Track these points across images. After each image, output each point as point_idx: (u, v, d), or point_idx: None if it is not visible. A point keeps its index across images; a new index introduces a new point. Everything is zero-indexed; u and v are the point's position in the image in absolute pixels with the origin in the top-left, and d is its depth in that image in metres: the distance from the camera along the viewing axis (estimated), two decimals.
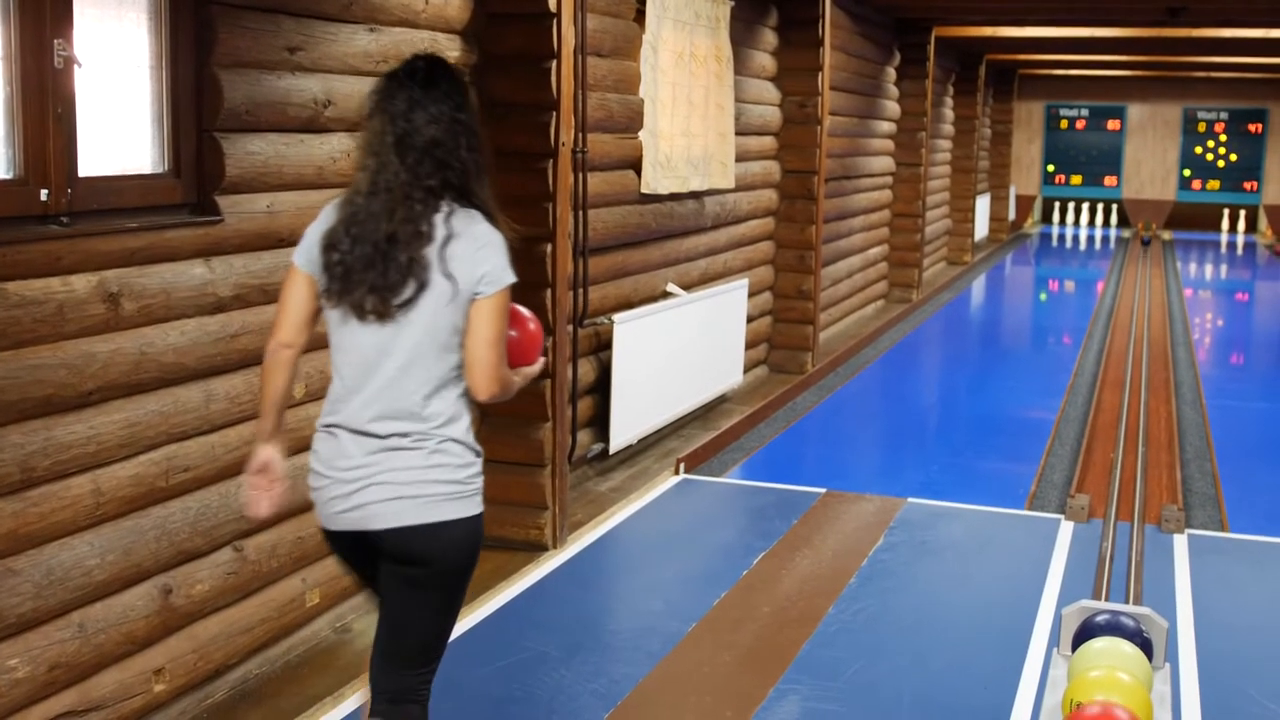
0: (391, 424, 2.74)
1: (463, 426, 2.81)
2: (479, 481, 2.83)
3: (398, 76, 2.81)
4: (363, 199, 2.77)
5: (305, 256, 2.84)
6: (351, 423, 2.77)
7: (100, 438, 3.44)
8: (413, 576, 2.78)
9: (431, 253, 2.72)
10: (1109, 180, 25.58)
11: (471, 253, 2.73)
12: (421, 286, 2.72)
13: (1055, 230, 25.10)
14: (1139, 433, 7.80)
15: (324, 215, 2.85)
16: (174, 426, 3.70)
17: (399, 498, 2.73)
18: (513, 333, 2.85)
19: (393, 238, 2.72)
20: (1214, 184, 24.83)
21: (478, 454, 2.85)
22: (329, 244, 2.79)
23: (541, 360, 3.02)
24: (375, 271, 2.72)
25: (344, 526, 2.80)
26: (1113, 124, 25.47)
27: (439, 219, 2.74)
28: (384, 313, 2.73)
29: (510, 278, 2.77)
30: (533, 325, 2.96)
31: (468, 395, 2.81)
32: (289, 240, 4.14)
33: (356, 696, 4.06)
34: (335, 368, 2.82)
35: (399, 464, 2.74)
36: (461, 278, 2.72)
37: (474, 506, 2.80)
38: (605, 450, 6.45)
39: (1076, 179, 25.77)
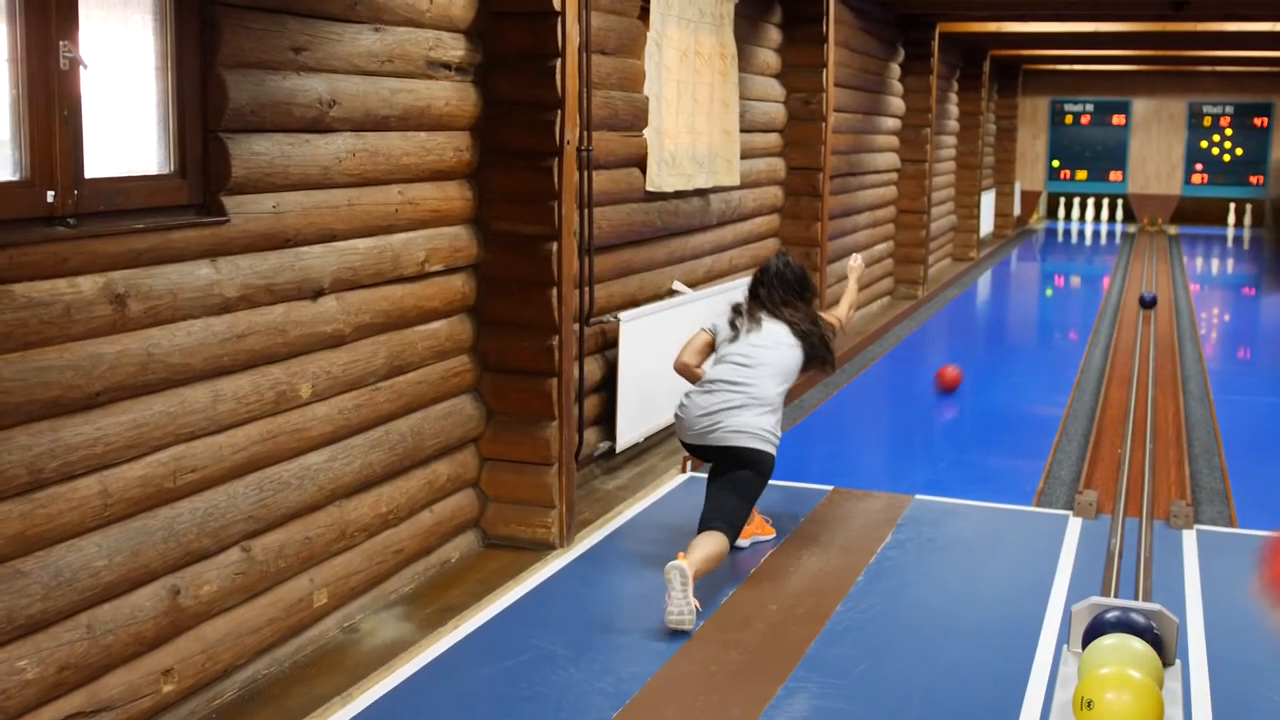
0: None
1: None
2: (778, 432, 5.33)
3: (778, 270, 5.58)
4: (767, 318, 5.50)
5: (714, 327, 5.56)
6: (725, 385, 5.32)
7: (107, 439, 3.44)
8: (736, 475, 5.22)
9: (799, 338, 5.48)
10: (1114, 175, 25.54)
11: (817, 325, 5.60)
12: (801, 352, 5.50)
13: (1061, 225, 25.07)
14: (1147, 428, 7.79)
15: (728, 313, 5.57)
16: (181, 427, 3.70)
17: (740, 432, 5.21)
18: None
19: (796, 321, 5.47)
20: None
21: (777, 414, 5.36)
22: (736, 318, 5.53)
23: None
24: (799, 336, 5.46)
25: (707, 442, 5.28)
26: (1118, 119, 25.44)
27: (802, 318, 5.50)
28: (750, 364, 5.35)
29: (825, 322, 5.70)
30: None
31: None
32: (295, 240, 4.15)
33: (365, 696, 4.07)
34: (719, 373, 5.36)
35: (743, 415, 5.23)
36: (819, 326, 5.60)
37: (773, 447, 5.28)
38: (612, 449, 6.45)
39: (1082, 174, 25.74)
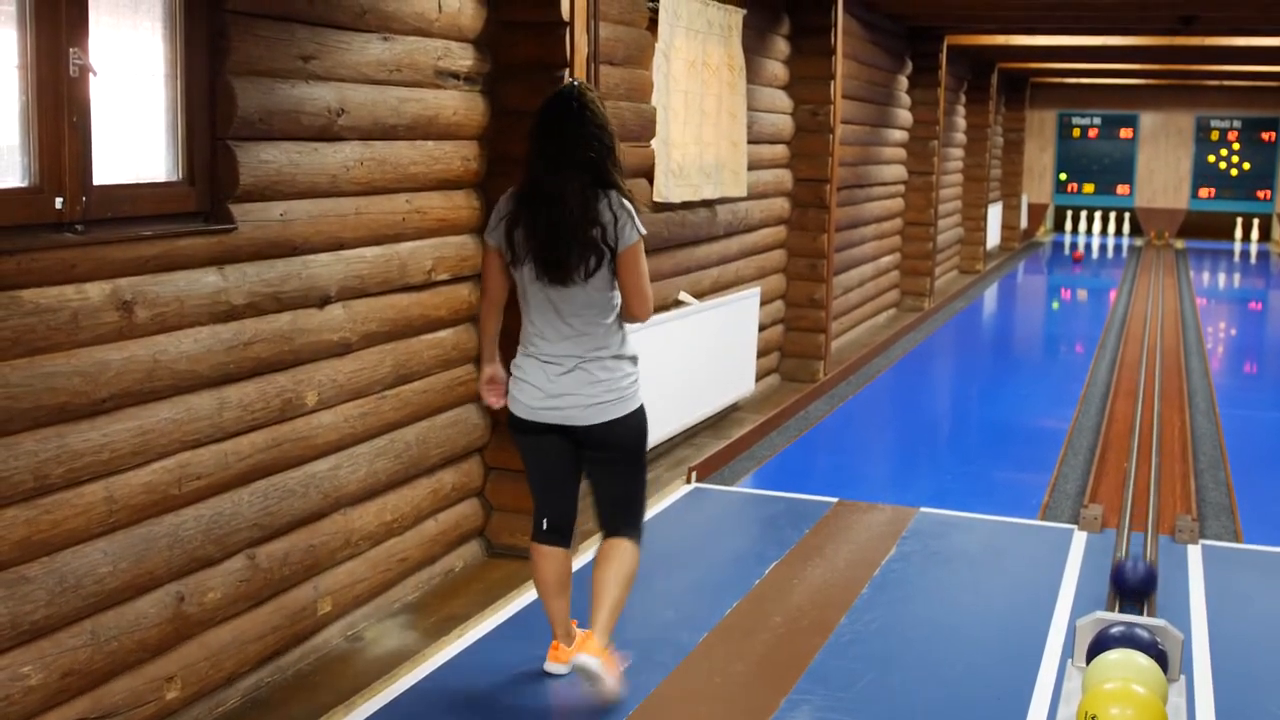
0: (572, 350, 3.94)
1: (622, 343, 4.01)
2: (635, 385, 4.04)
3: (559, 110, 3.91)
4: (544, 200, 3.86)
5: (494, 237, 4.02)
6: (545, 354, 3.97)
7: (113, 445, 3.44)
8: (600, 457, 4.07)
9: (602, 234, 3.85)
10: (1121, 189, 25.54)
11: (625, 225, 3.88)
12: (600, 259, 3.86)
13: (1068, 239, 25.06)
14: (1152, 442, 7.77)
15: (503, 204, 4.00)
16: (187, 434, 3.71)
17: (590, 404, 3.95)
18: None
19: (575, 228, 3.83)
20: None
21: (634, 361, 4.05)
22: (513, 228, 3.93)
23: None
24: (566, 253, 3.84)
25: (548, 420, 4.00)
26: (1125, 132, 25.45)
27: (603, 206, 3.88)
28: (571, 281, 3.87)
29: (640, 234, 3.92)
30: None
31: (620, 321, 4.01)
32: (302, 248, 4.15)
33: (368, 705, 4.07)
34: (528, 314, 4.00)
35: (584, 380, 3.94)
36: (618, 245, 3.88)
37: (634, 405, 4.03)
38: None
39: (1089, 187, 25.73)
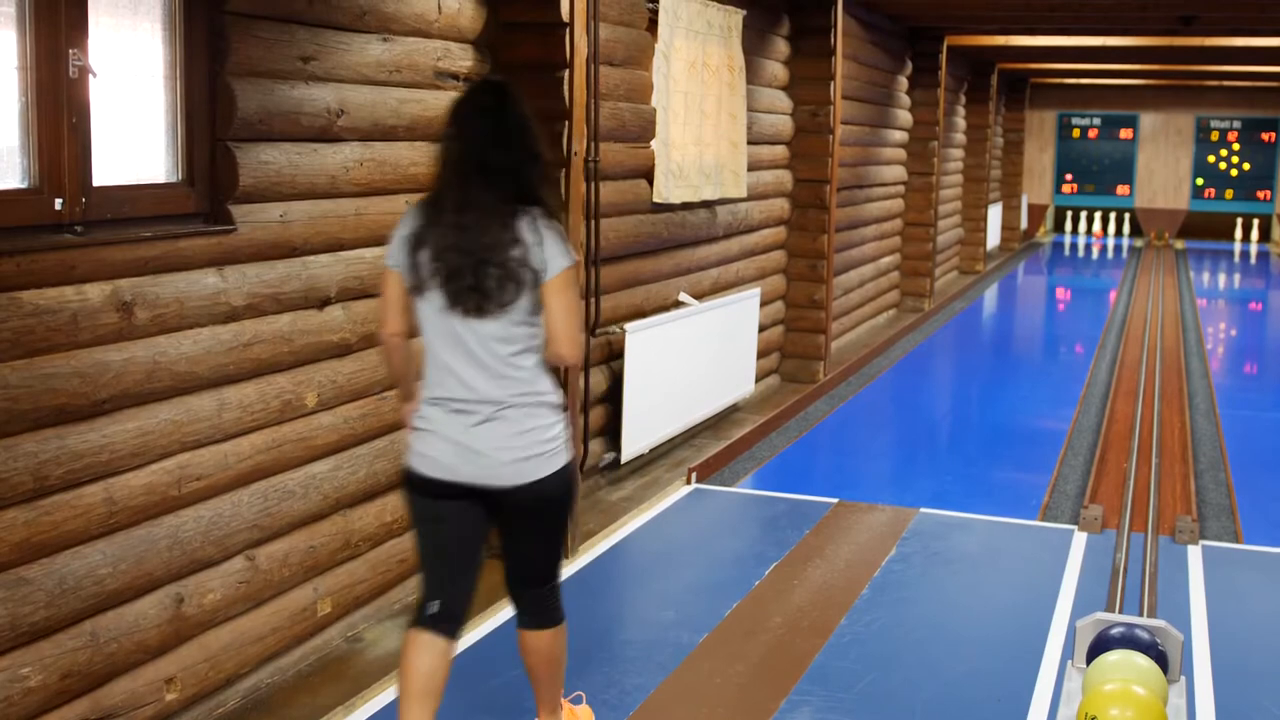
0: (490, 395, 3.28)
1: (547, 388, 3.35)
2: (563, 435, 3.39)
3: (472, 107, 3.33)
4: (453, 213, 3.25)
5: (395, 259, 3.35)
6: (456, 401, 3.29)
7: (113, 446, 3.44)
8: (522, 524, 3.41)
9: (524, 255, 3.24)
10: (1121, 189, 25.54)
11: (552, 248, 3.27)
12: (520, 287, 3.24)
13: (1068, 239, 25.06)
14: (1153, 443, 7.77)
15: (407, 220, 3.35)
16: (186, 435, 3.71)
17: (515, 460, 3.28)
18: None
19: (491, 248, 3.23)
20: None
21: (562, 409, 3.41)
22: (417, 248, 3.29)
23: None
24: (479, 277, 3.23)
25: (462, 481, 3.30)
26: (1125, 133, 25.44)
27: (524, 225, 3.25)
28: (486, 311, 3.25)
29: (571, 260, 3.32)
30: None
31: (543, 362, 3.36)
32: (302, 249, 4.16)
33: (368, 706, 4.07)
34: (432, 353, 3.33)
35: (506, 431, 3.27)
36: (544, 270, 3.26)
37: (564, 459, 3.38)
38: (617, 460, 6.45)
39: (1089, 188, 25.74)
